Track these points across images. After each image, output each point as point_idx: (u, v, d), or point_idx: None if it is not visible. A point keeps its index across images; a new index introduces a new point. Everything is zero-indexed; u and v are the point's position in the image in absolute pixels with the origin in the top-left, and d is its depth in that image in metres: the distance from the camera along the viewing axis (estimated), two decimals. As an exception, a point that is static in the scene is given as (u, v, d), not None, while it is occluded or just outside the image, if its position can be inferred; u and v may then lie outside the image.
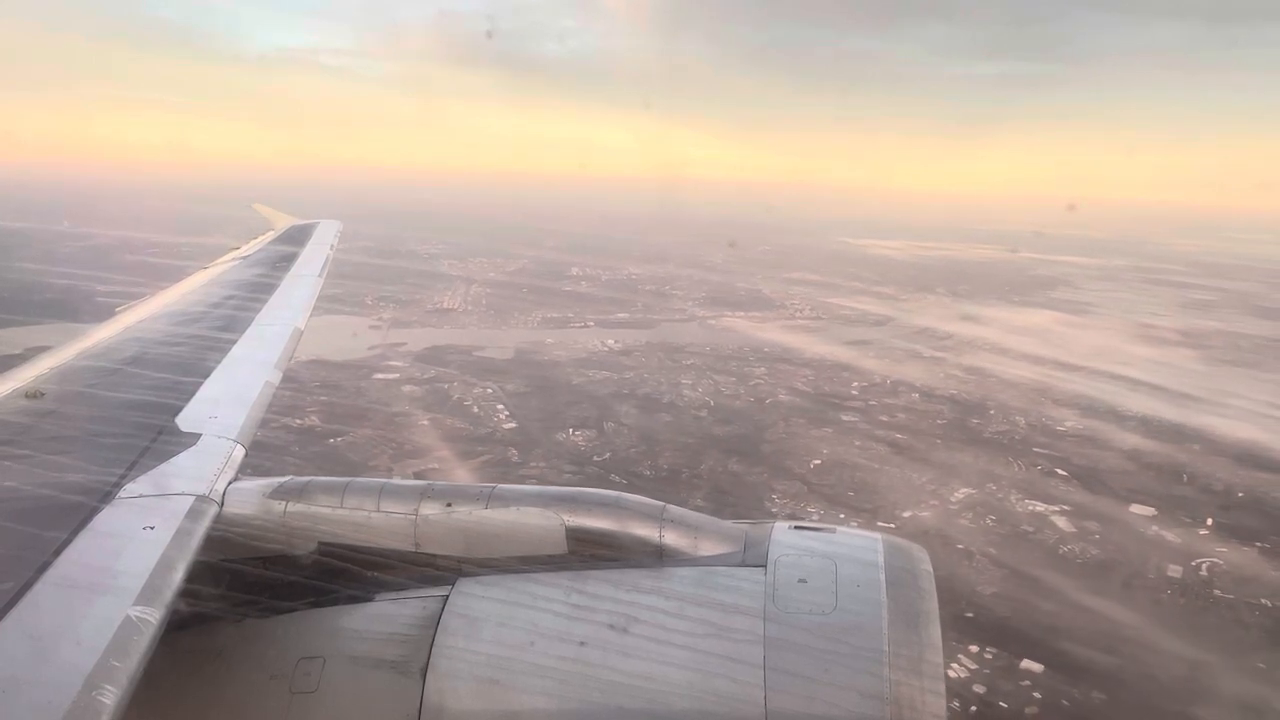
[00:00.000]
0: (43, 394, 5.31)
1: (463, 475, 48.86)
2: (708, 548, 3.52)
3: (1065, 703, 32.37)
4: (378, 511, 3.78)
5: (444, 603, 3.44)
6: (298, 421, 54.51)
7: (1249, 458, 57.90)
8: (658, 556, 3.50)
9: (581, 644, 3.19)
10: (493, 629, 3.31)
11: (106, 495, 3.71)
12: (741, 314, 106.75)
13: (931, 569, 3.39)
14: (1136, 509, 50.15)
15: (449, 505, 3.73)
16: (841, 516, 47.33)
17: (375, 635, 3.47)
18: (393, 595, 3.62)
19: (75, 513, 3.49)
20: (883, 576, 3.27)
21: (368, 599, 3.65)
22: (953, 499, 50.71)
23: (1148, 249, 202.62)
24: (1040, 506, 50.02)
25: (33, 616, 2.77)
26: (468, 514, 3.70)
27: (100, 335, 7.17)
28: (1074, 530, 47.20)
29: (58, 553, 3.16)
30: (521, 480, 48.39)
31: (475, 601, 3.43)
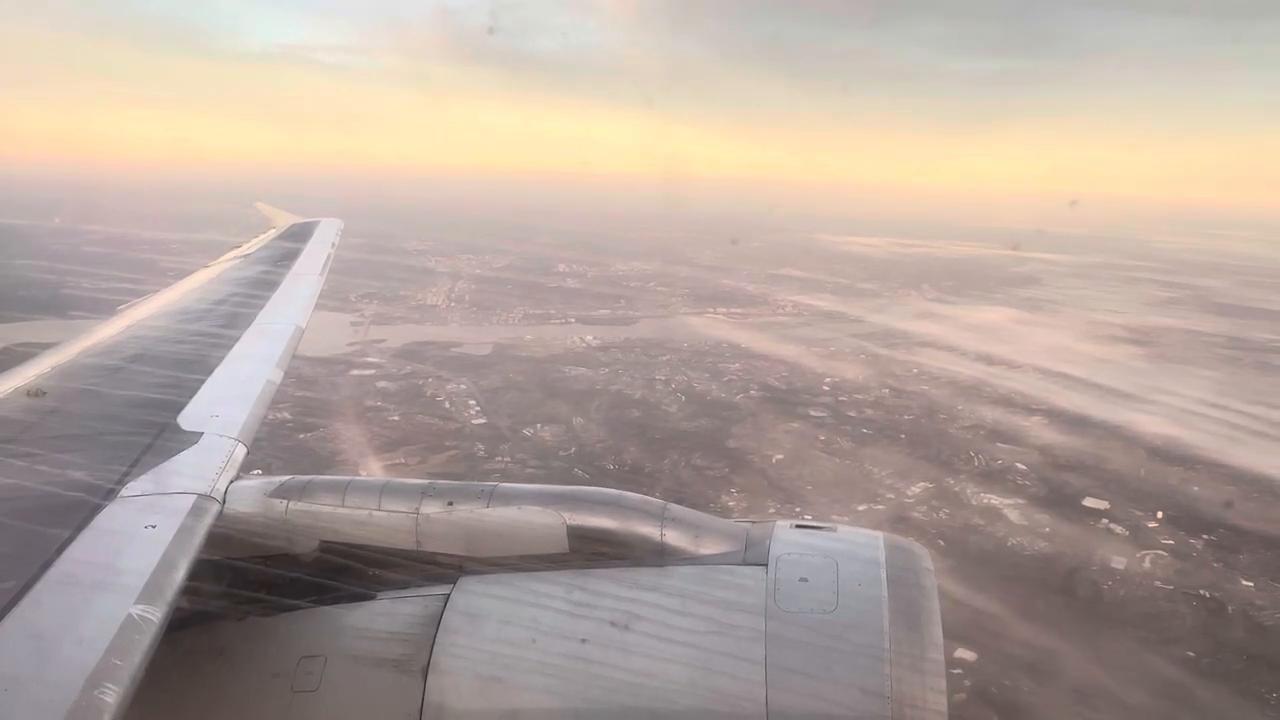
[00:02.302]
0: (44, 392, 5.32)
1: (429, 470, 49.91)
2: (709, 546, 3.54)
3: (994, 690, 33.42)
4: (379, 510, 3.80)
5: (446, 601, 3.46)
6: (270, 416, 55.05)
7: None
8: (659, 555, 3.51)
9: (583, 641, 3.22)
10: (495, 627, 3.34)
11: (108, 493, 3.71)
12: (723, 311, 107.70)
13: (933, 567, 3.40)
14: (1090, 502, 51.29)
15: (450, 504, 3.75)
16: (798, 510, 48.44)
17: (377, 634, 3.49)
18: (394, 594, 3.64)
19: (77, 511, 3.49)
20: (884, 574, 3.28)
21: (369, 597, 3.67)
22: (907, 493, 51.90)
23: (1129, 246, 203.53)
24: (983, 502, 51.21)
25: (35, 615, 2.78)
26: (469, 513, 3.72)
27: (102, 333, 7.20)
28: (1024, 523, 48.36)
29: (60, 551, 3.16)
30: (485, 475, 49.50)
31: (477, 600, 3.46)
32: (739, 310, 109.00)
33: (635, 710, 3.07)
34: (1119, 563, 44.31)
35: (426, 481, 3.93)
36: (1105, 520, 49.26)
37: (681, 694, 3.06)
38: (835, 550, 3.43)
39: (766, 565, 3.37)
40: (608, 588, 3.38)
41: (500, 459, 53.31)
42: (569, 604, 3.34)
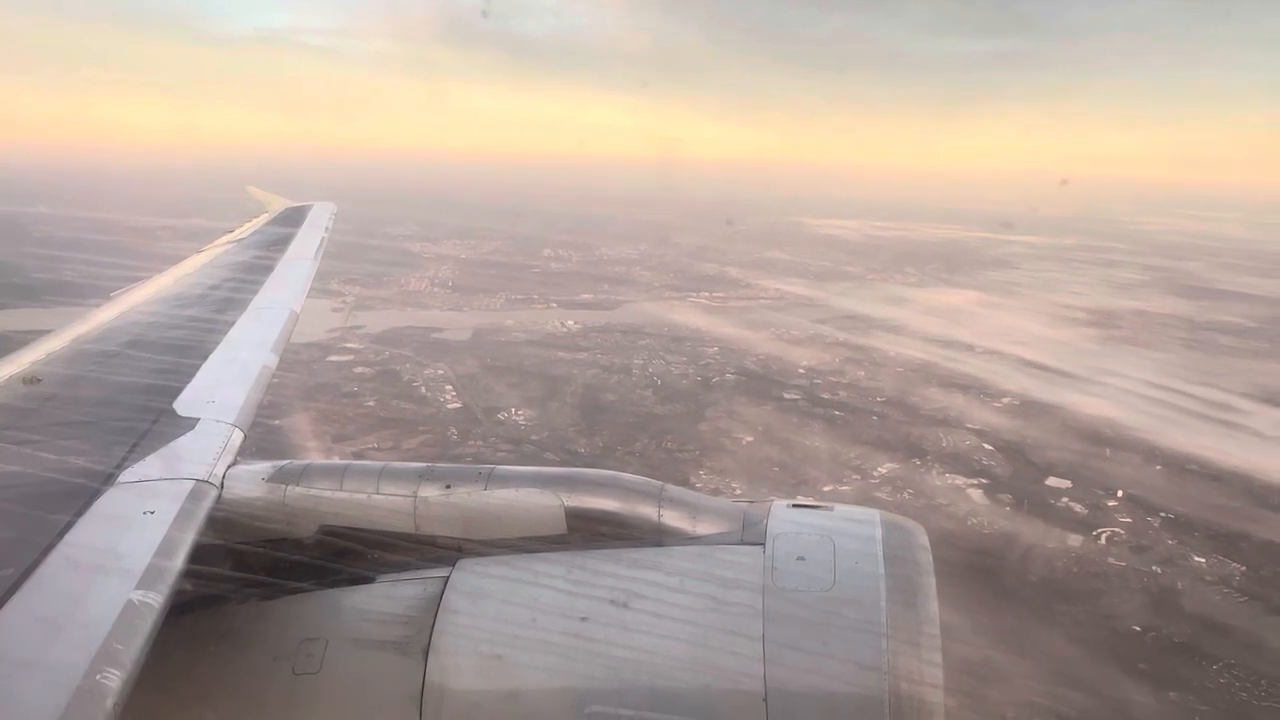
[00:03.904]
0: (40, 379, 5.33)
1: (401, 455, 50.60)
2: (706, 526, 3.56)
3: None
4: (377, 493, 3.83)
5: (445, 583, 3.49)
6: (247, 403, 55.97)
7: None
8: (657, 536, 3.54)
9: (583, 619, 3.24)
10: (494, 607, 3.38)
11: (106, 480, 3.73)
12: (706, 295, 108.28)
13: (929, 544, 3.43)
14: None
15: (448, 487, 3.78)
16: (763, 490, 49.29)
17: (377, 616, 3.53)
18: (394, 576, 3.68)
19: (75, 497, 3.50)
20: (880, 552, 3.31)
21: (369, 580, 3.71)
22: (873, 474, 52.89)
23: (1110, 228, 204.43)
24: (947, 482, 52.23)
25: (36, 601, 2.80)
26: (467, 495, 3.74)
27: (96, 319, 7.18)
28: (985, 502, 49.31)
29: (59, 538, 3.18)
30: (458, 459, 50.04)
31: (476, 581, 3.49)
32: (721, 294, 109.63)
33: (635, 687, 3.10)
34: (1075, 540, 45.37)
35: (424, 465, 3.94)
36: (1066, 499, 50.25)
37: (681, 671, 3.10)
38: (832, 529, 3.46)
39: (764, 544, 3.40)
40: (606, 567, 3.42)
41: (473, 442, 54.03)
42: (568, 583, 3.38)
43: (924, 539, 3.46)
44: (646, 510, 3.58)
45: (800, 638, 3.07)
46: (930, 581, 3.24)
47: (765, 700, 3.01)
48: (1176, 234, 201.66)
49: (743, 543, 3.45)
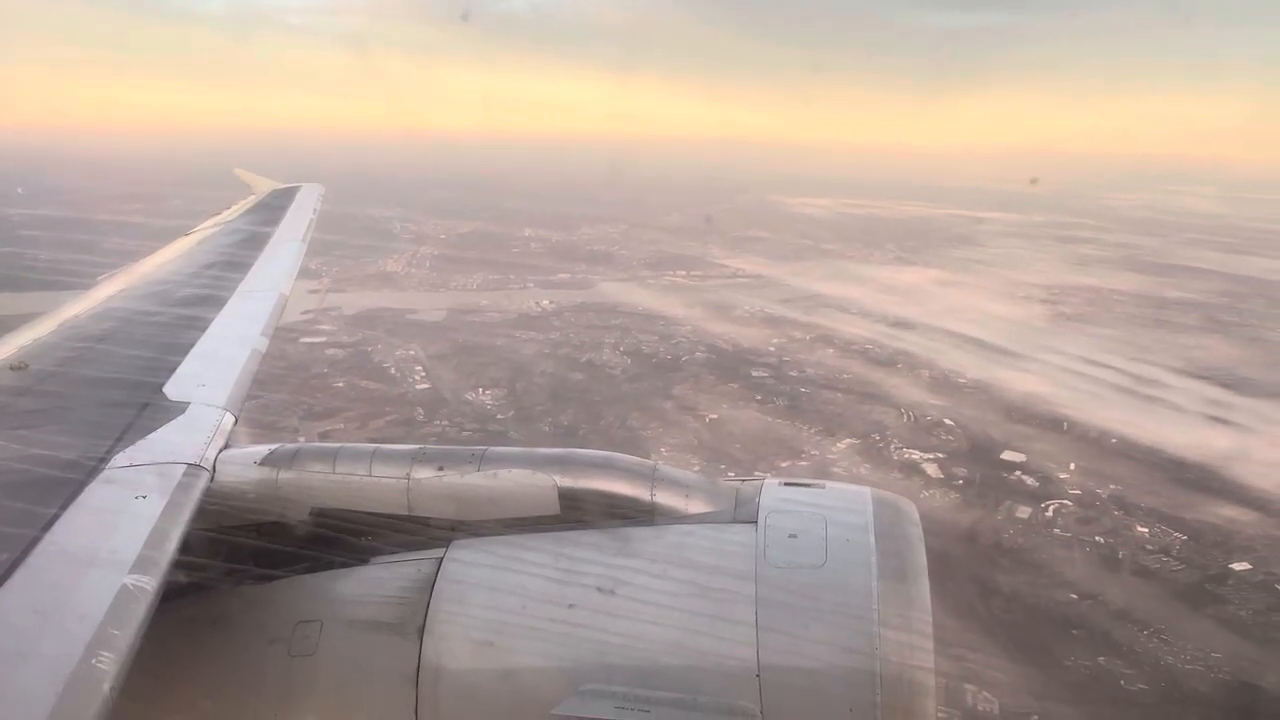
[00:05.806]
0: (26, 366, 5.27)
1: (365, 435, 51.35)
2: (699, 506, 3.57)
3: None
4: (370, 476, 3.83)
5: (438, 565, 3.52)
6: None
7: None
8: (649, 516, 3.56)
9: (570, 606, 3.27)
10: (488, 588, 3.40)
11: (97, 465, 3.71)
12: (682, 274, 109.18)
13: (920, 522, 3.43)
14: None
15: (440, 469, 3.79)
16: (722, 467, 50.30)
17: (371, 598, 3.54)
18: (388, 558, 3.70)
19: (66, 485, 3.48)
20: (872, 529, 3.34)
21: (363, 563, 3.72)
22: (832, 449, 54.02)
23: (1082, 204, 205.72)
24: (904, 456, 53.41)
25: (29, 588, 2.80)
26: (459, 477, 3.74)
27: (82, 305, 7.12)
28: (940, 476, 50.47)
29: (50, 525, 3.16)
30: (422, 439, 50.75)
31: (470, 561, 3.51)
32: (698, 273, 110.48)
33: (629, 665, 3.13)
34: (1023, 512, 46.61)
35: (417, 446, 3.95)
36: (1019, 472, 51.52)
37: (675, 649, 3.12)
38: (823, 506, 3.49)
39: (756, 522, 3.42)
40: (599, 548, 3.43)
41: (438, 423, 54.83)
42: (561, 564, 3.40)
43: (915, 516, 3.49)
44: (639, 490, 3.60)
45: (793, 615, 3.11)
46: (921, 558, 3.27)
47: (758, 676, 3.05)
48: (1148, 209, 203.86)
49: (735, 521, 3.48)
